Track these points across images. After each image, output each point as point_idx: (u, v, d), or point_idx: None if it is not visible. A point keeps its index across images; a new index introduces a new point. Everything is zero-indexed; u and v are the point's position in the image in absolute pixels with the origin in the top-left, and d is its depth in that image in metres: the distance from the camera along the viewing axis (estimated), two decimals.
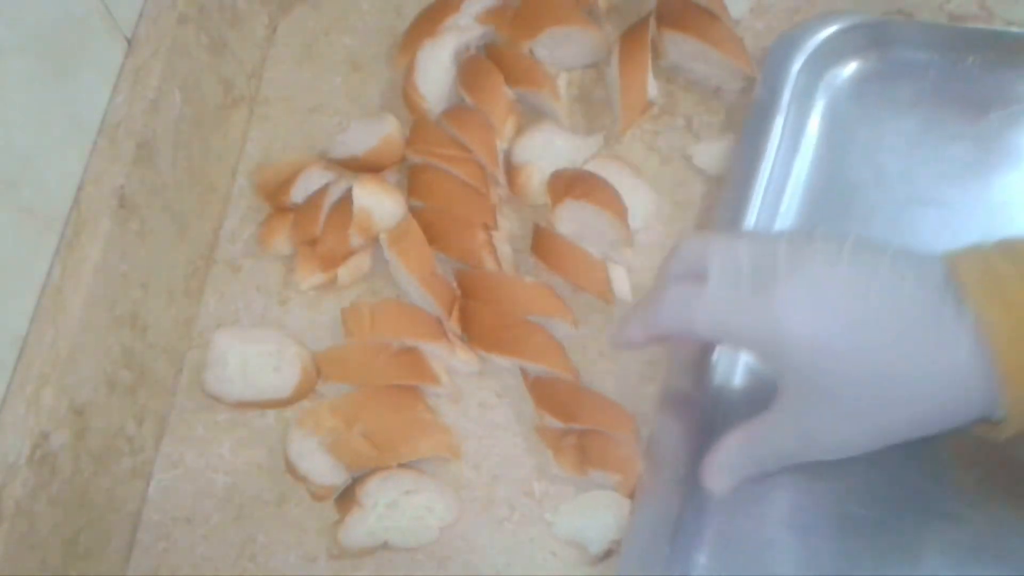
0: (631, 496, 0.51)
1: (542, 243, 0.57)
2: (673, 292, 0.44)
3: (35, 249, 0.51)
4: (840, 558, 0.48)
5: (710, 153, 0.60)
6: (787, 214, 0.57)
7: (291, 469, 0.55)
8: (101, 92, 0.55)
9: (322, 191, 0.61)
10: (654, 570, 0.48)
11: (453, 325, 0.57)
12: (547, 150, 0.61)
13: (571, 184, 0.57)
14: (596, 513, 0.52)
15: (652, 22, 0.60)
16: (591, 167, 0.59)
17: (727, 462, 0.46)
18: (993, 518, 0.47)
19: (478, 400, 0.57)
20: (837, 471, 0.47)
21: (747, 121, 0.58)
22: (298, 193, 0.62)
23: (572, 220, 0.57)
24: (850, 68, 0.60)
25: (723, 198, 0.57)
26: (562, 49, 0.63)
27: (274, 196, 0.63)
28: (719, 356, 0.53)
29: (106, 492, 0.54)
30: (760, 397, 0.45)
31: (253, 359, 0.58)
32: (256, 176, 0.65)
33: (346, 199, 0.59)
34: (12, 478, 0.47)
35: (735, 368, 0.54)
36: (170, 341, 0.60)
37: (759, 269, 0.41)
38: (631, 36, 0.61)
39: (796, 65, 0.58)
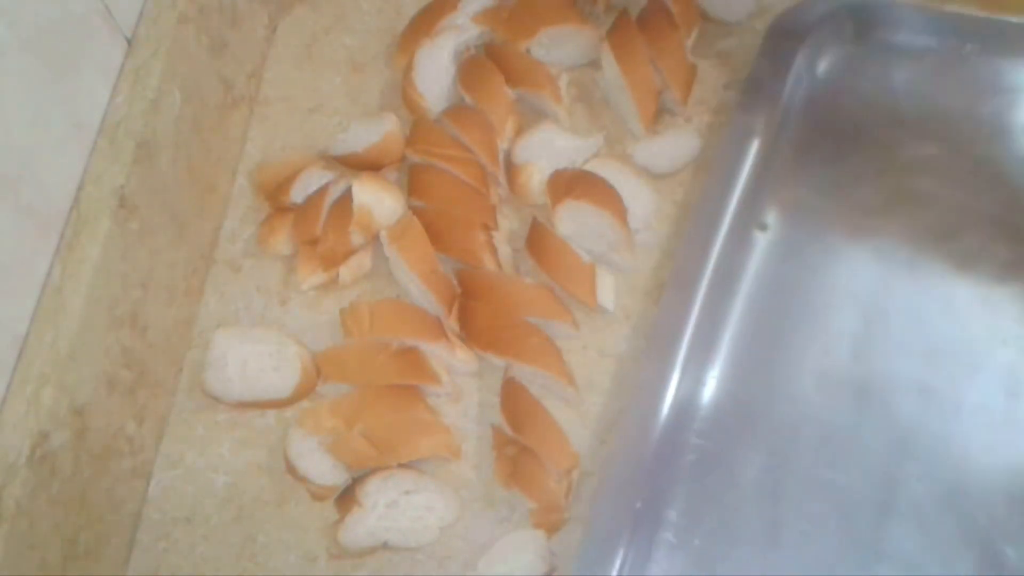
0: (544, 528, 0.52)
1: (536, 239, 0.57)
2: None
3: (35, 249, 0.51)
4: (807, 520, 0.49)
5: (650, 151, 0.60)
6: (772, 200, 0.57)
7: (291, 469, 0.55)
8: (101, 92, 0.55)
9: (322, 190, 0.61)
10: (624, 519, 0.48)
11: (452, 323, 0.57)
12: (547, 150, 0.61)
13: (571, 184, 0.57)
14: (517, 557, 0.51)
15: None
16: (591, 167, 0.59)
17: None
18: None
19: (478, 400, 0.57)
20: (814, 436, 0.50)
21: (739, 101, 0.58)
22: (298, 193, 0.62)
23: (572, 220, 0.57)
24: (846, 51, 0.59)
25: (711, 179, 0.57)
26: (559, 48, 0.63)
27: (274, 196, 0.63)
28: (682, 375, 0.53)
29: (106, 492, 0.54)
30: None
31: (253, 359, 0.58)
32: (256, 176, 0.65)
33: (346, 198, 0.59)
34: (12, 478, 0.47)
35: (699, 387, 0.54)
36: (170, 341, 0.60)
37: None
38: (618, 33, 0.60)
39: (790, 47, 0.58)
